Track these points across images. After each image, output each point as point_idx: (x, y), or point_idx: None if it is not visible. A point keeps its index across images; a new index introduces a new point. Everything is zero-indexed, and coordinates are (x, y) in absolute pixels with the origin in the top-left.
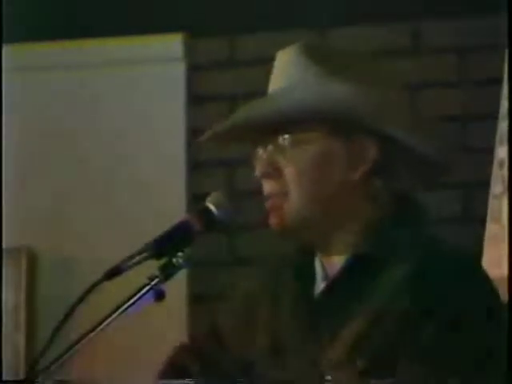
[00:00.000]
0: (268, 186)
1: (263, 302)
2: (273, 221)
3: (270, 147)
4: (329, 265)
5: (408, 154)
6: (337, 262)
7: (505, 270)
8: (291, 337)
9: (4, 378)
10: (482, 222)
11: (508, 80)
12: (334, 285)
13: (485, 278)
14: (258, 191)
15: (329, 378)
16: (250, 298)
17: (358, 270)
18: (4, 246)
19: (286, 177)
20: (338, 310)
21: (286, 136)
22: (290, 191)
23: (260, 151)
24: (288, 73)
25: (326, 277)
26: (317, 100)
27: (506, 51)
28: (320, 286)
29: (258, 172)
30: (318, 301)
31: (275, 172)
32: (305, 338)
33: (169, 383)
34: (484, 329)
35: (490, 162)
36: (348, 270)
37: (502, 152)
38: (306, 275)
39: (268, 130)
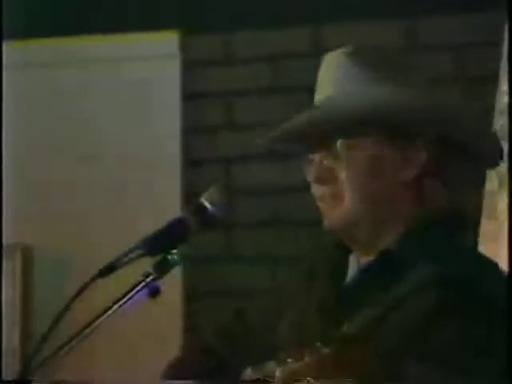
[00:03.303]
0: (320, 190)
1: (294, 292)
2: (325, 222)
3: (324, 152)
4: (365, 259)
5: (460, 153)
6: (372, 256)
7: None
8: (314, 325)
9: (4, 378)
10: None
11: (508, 77)
12: (359, 275)
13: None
14: (255, 189)
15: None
16: (283, 288)
17: (385, 265)
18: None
19: (341, 181)
20: (362, 299)
21: (341, 141)
22: (345, 196)
23: (313, 156)
24: (337, 79)
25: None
26: (368, 106)
27: (507, 48)
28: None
29: (311, 177)
30: (344, 290)
31: (330, 177)
32: (327, 326)
33: (171, 383)
34: (506, 335)
35: None
36: (375, 264)
37: None
38: (339, 269)
39: (321, 135)
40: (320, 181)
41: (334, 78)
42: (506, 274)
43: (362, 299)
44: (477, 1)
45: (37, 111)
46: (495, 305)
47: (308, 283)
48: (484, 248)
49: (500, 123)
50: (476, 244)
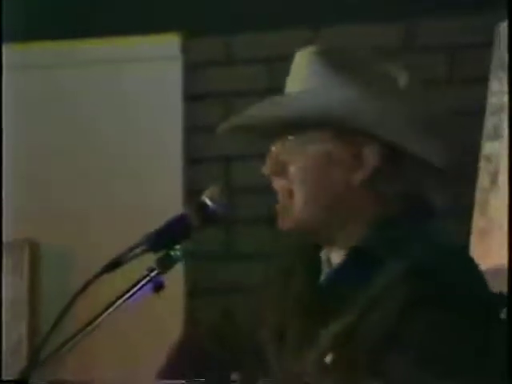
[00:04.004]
0: (276, 184)
1: (274, 289)
2: (279, 222)
3: (278, 146)
4: (335, 256)
5: (414, 158)
6: (342, 253)
7: (492, 264)
8: (293, 323)
9: (4, 377)
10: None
11: (508, 77)
12: (333, 275)
13: (479, 273)
14: (255, 187)
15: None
16: (264, 285)
17: (357, 262)
18: (7, 238)
19: (291, 175)
20: (337, 298)
21: (294, 136)
22: (294, 189)
23: (271, 149)
24: (302, 76)
25: (330, 266)
26: (324, 105)
27: (507, 48)
28: (325, 274)
29: (265, 169)
30: (319, 289)
31: (281, 170)
32: (304, 323)
33: (168, 383)
34: (479, 323)
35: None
36: (347, 262)
37: (488, 147)
38: (314, 264)
39: (278, 128)
40: (274, 173)
41: (298, 76)
42: (474, 260)
43: (338, 299)
44: (475, 1)
45: (37, 113)
46: (465, 292)
47: (287, 280)
48: (476, 244)
49: (491, 123)
50: (468, 240)
